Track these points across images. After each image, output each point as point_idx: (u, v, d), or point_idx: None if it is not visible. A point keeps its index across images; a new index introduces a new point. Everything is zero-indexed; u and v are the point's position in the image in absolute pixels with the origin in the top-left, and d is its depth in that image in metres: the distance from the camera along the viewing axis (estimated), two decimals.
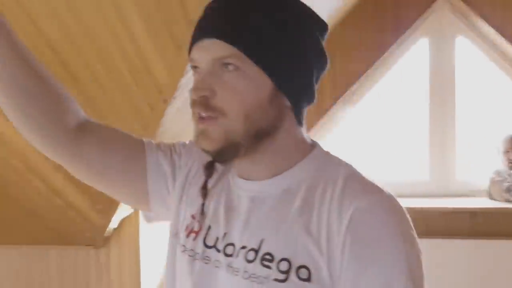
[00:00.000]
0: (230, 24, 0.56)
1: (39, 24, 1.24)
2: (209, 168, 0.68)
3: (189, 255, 0.65)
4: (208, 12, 0.59)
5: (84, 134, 0.70)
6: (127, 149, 0.72)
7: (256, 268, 0.58)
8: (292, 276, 0.56)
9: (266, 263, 0.57)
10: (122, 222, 1.73)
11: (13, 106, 0.65)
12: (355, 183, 0.60)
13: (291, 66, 0.59)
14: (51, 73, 0.69)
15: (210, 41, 0.57)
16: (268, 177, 0.63)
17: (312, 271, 0.56)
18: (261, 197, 0.62)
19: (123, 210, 1.67)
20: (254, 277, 0.58)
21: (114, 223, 1.69)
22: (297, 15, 0.60)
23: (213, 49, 0.57)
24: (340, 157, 0.65)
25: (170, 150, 0.73)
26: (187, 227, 0.67)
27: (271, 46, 0.58)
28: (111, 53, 1.30)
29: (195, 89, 0.57)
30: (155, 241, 1.74)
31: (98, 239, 1.71)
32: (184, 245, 0.66)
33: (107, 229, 1.68)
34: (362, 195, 0.58)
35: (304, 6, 0.62)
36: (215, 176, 0.69)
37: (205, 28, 0.58)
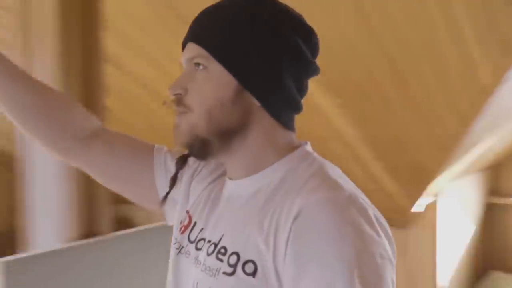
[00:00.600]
0: (201, 27, 0.61)
1: (382, 41, 1.52)
2: (181, 161, 0.72)
3: (176, 248, 0.69)
4: (192, 21, 0.64)
5: (93, 141, 0.75)
6: (135, 152, 0.75)
7: (212, 260, 0.60)
8: (239, 270, 0.56)
9: (220, 256, 0.59)
10: (424, 208, 1.93)
11: (19, 123, 0.73)
12: (316, 180, 0.58)
13: (257, 66, 0.59)
14: (52, 89, 0.76)
15: (188, 45, 0.62)
16: (243, 177, 0.64)
17: (258, 266, 0.55)
18: (234, 196, 0.64)
19: (426, 197, 1.87)
20: (208, 270, 0.60)
21: (417, 207, 1.90)
22: (268, 17, 0.60)
23: (188, 51, 0.61)
24: (320, 160, 0.63)
25: (181, 152, 0.75)
26: (181, 222, 0.71)
27: (236, 46, 0.58)
28: (441, 59, 1.50)
29: (171, 87, 0.61)
30: (450, 228, 1.88)
31: (401, 221, 1.95)
32: (175, 239, 0.70)
33: (411, 213, 1.91)
34: (316, 191, 0.55)
35: (280, 10, 0.62)
36: (215, 175, 0.72)
37: (187, 34, 0.63)
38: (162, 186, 0.75)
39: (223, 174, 0.70)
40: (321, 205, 0.54)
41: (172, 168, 0.73)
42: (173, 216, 0.75)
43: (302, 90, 0.65)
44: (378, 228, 0.54)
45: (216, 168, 0.73)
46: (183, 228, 0.70)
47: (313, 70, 0.64)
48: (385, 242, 0.54)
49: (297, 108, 0.65)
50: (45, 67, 1.06)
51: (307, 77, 0.65)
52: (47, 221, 1.10)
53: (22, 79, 0.73)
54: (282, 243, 0.53)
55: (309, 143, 0.67)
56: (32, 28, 1.07)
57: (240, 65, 0.59)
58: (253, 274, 0.55)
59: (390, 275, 0.53)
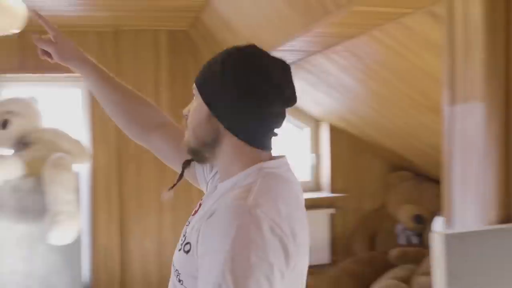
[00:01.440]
0: (199, 71, 0.89)
1: None
2: (186, 163, 0.99)
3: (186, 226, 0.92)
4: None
5: (154, 132, 1.12)
6: (178, 145, 1.00)
7: (182, 244, 0.85)
8: (183, 248, 0.83)
9: (183, 237, 0.88)
10: None
11: (111, 113, 1.16)
12: (240, 190, 0.77)
13: (223, 100, 0.82)
14: (130, 90, 1.16)
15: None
16: (222, 181, 0.88)
17: (193, 247, 0.79)
18: (211, 195, 0.90)
19: None
20: (179, 249, 0.86)
21: None
22: (235, 65, 0.82)
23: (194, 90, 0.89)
24: (265, 177, 0.80)
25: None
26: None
27: (209, 85, 0.84)
28: None
29: (184, 112, 0.92)
30: None
31: None
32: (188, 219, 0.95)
33: None
34: (229, 198, 0.77)
35: (244, 59, 0.83)
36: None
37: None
38: (198, 172, 1.06)
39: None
40: (224, 210, 0.75)
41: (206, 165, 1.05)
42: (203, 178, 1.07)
43: (271, 122, 0.85)
44: (266, 235, 0.69)
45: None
46: (194, 212, 0.95)
47: (279, 111, 0.86)
48: (267, 247, 0.68)
49: (265, 133, 0.86)
50: (471, 73, 1.24)
51: (271, 117, 0.85)
52: (468, 204, 1.29)
53: (113, 83, 1.14)
54: (199, 233, 0.77)
55: (284, 158, 0.88)
56: (458, 37, 1.27)
57: (210, 97, 0.84)
58: (188, 252, 0.82)
59: (265, 273, 0.66)
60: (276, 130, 0.86)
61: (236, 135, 0.84)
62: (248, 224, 0.70)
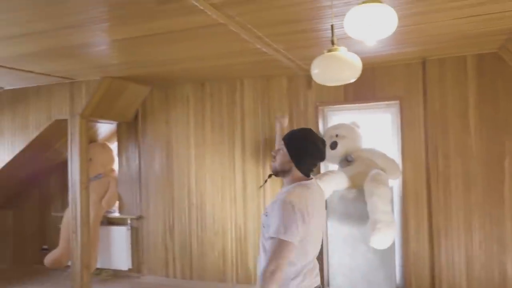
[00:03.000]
0: (287, 136, 1.99)
1: None
2: (269, 176, 2.09)
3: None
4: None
5: None
6: None
7: (264, 210, 1.93)
8: (266, 212, 1.90)
9: (265, 210, 1.91)
10: None
11: None
12: (288, 194, 1.81)
13: (296, 155, 1.92)
14: None
15: (282, 140, 2.02)
16: (284, 186, 1.95)
17: (267, 214, 1.88)
18: (280, 192, 1.95)
19: None
20: (264, 212, 1.91)
21: None
22: (307, 144, 1.93)
23: (280, 143, 2.01)
24: (298, 187, 1.87)
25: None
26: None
27: (292, 146, 1.93)
28: None
29: (273, 152, 2.03)
30: None
31: None
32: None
33: None
34: (285, 198, 1.78)
35: (313, 144, 1.94)
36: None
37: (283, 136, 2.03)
38: None
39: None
40: (283, 201, 1.77)
41: None
42: None
43: (311, 163, 1.94)
44: (296, 209, 1.75)
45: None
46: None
47: (316, 160, 1.97)
48: (295, 214, 1.75)
49: (310, 169, 1.95)
50: None
51: (313, 161, 1.95)
52: None
53: None
54: (272, 209, 1.82)
55: (312, 179, 1.95)
56: None
57: (292, 151, 1.91)
58: (266, 215, 1.87)
59: (299, 217, 1.75)
60: (312, 169, 1.97)
61: (298, 168, 1.93)
62: (289, 206, 1.77)
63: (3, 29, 2.66)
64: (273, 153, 2.01)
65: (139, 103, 4.98)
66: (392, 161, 3.83)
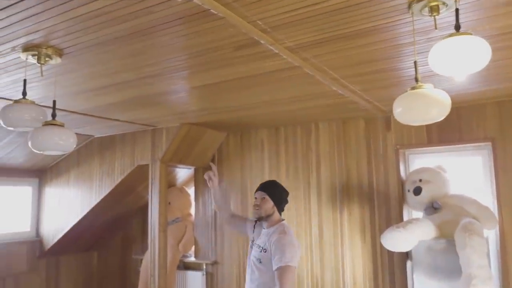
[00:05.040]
0: (266, 188, 2.82)
1: None
2: (255, 221, 2.86)
3: (250, 245, 2.85)
4: (261, 184, 2.90)
5: (230, 219, 3.15)
6: (242, 221, 3.09)
7: (257, 248, 2.71)
8: (262, 250, 2.66)
9: (258, 248, 2.70)
10: None
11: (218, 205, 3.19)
12: (280, 232, 2.64)
13: (278, 201, 2.79)
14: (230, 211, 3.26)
15: (259, 192, 2.82)
16: (268, 228, 2.73)
17: (266, 250, 2.62)
18: (265, 232, 2.74)
19: None
20: (258, 250, 2.70)
21: None
22: (284, 192, 2.88)
23: (261, 193, 2.81)
24: (285, 225, 2.74)
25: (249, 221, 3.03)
26: (252, 240, 2.86)
27: (275, 196, 2.79)
28: None
29: (254, 203, 2.83)
30: None
31: None
32: (252, 241, 2.84)
33: None
34: (280, 234, 2.62)
35: (286, 192, 2.90)
36: (258, 225, 2.86)
37: (259, 188, 2.85)
38: (250, 229, 2.93)
39: (260, 225, 2.85)
40: (280, 237, 2.61)
41: (250, 224, 2.97)
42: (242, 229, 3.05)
43: (284, 206, 2.86)
44: (293, 240, 2.64)
45: (250, 224, 2.96)
46: (251, 244, 2.84)
47: (284, 203, 2.87)
48: (294, 247, 2.58)
49: (282, 210, 2.84)
50: None
51: (284, 204, 2.87)
52: None
53: (228, 210, 3.25)
54: (270, 245, 2.60)
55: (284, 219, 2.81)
56: None
57: (274, 199, 2.78)
58: (265, 251, 2.65)
59: (297, 246, 2.63)
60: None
61: (278, 211, 2.77)
62: (290, 241, 2.57)
63: (95, 80, 2.87)
64: (256, 203, 2.75)
65: (215, 148, 5.08)
66: (486, 208, 3.45)
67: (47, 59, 2.35)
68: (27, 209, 5.50)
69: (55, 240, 5.30)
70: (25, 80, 2.47)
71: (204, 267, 5.04)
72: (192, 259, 5.23)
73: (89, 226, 5.38)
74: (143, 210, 5.22)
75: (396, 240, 3.40)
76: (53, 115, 2.39)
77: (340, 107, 3.75)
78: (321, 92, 3.18)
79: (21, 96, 2.42)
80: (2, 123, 2.36)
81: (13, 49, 2.29)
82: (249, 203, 4.80)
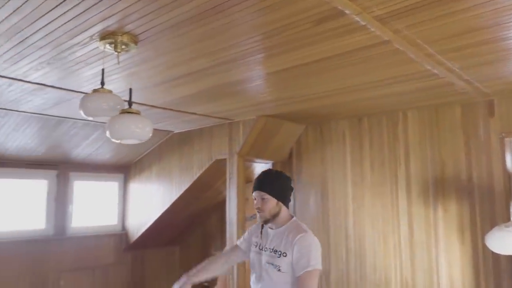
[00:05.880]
0: (263, 185, 2.26)
1: None
2: (262, 226, 2.33)
3: (255, 251, 2.34)
4: (256, 180, 2.31)
5: (230, 259, 2.58)
6: (243, 246, 2.50)
7: (272, 253, 2.20)
8: (282, 255, 2.15)
9: (273, 253, 2.19)
10: None
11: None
12: (298, 229, 2.19)
13: (282, 195, 2.25)
14: (221, 261, 2.56)
15: (257, 192, 2.26)
16: (278, 228, 2.25)
17: (286, 254, 2.13)
18: (275, 233, 2.24)
19: None
20: (270, 256, 2.21)
21: None
22: (284, 178, 2.33)
23: (259, 193, 2.25)
24: (297, 221, 2.28)
25: (246, 233, 2.53)
26: (255, 245, 2.36)
27: (275, 191, 2.23)
28: None
29: (255, 206, 2.26)
30: None
31: None
32: (255, 246, 2.35)
33: None
34: (299, 233, 2.14)
35: (287, 178, 2.35)
36: (256, 233, 2.39)
37: (256, 186, 2.28)
38: (246, 251, 2.45)
39: (260, 231, 2.35)
40: (301, 236, 2.14)
41: (245, 244, 2.49)
42: (249, 251, 2.43)
43: (290, 195, 2.34)
44: (316, 240, 2.16)
45: (254, 232, 2.43)
46: (257, 246, 2.34)
47: (291, 193, 2.35)
48: (317, 242, 2.16)
49: (289, 201, 2.32)
50: None
51: (290, 194, 2.34)
52: None
53: (210, 269, 2.49)
54: (291, 249, 2.12)
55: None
56: None
57: (276, 195, 2.23)
58: (285, 255, 2.14)
59: (319, 246, 2.16)
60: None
61: (285, 206, 2.28)
62: (313, 241, 2.17)
63: (171, 70, 2.81)
64: (258, 205, 2.25)
65: (293, 141, 4.88)
66: None
67: (123, 47, 2.32)
68: (114, 203, 5.73)
69: (139, 233, 5.45)
70: (103, 70, 2.46)
71: None
72: None
73: (170, 221, 5.46)
74: (222, 206, 5.17)
75: (504, 241, 2.95)
76: (130, 103, 2.35)
77: (433, 92, 3.35)
78: (412, 73, 2.84)
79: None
80: (82, 113, 2.37)
81: (91, 38, 2.29)
82: (330, 204, 4.54)
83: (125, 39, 2.26)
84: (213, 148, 4.71)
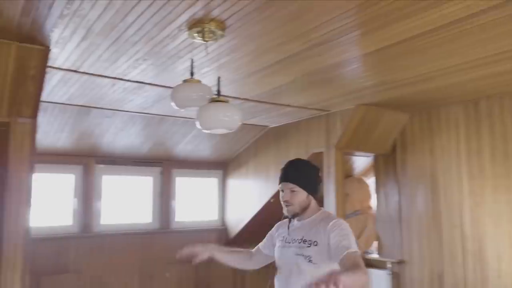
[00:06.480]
0: (292, 176, 2.05)
1: None
2: (290, 220, 2.11)
3: (282, 245, 2.10)
4: (282, 171, 2.10)
5: (253, 259, 2.33)
6: (267, 245, 2.27)
7: (301, 243, 1.99)
8: (310, 243, 1.96)
9: (302, 243, 1.98)
10: None
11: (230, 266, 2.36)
12: (330, 217, 2.00)
13: (312, 187, 2.05)
14: (241, 252, 2.36)
15: (285, 183, 2.05)
16: (305, 219, 2.05)
17: (317, 243, 1.93)
18: (302, 224, 2.05)
19: None
20: (302, 245, 1.98)
21: None
22: (314, 172, 2.10)
23: (287, 185, 2.03)
24: (327, 211, 2.11)
25: (269, 234, 2.29)
26: (282, 238, 2.13)
27: (306, 182, 2.03)
28: None
29: (283, 199, 2.05)
30: None
31: None
32: (281, 240, 2.12)
33: None
34: (332, 220, 1.97)
35: (316, 169, 2.13)
36: (283, 226, 2.17)
37: (283, 178, 2.07)
38: (284, 232, 2.14)
39: (288, 226, 2.11)
40: (335, 221, 1.95)
41: (268, 243, 2.28)
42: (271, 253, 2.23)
43: (320, 186, 2.15)
44: (347, 224, 1.98)
45: (279, 229, 2.21)
46: (284, 239, 2.10)
47: (320, 184, 2.16)
48: (348, 225, 1.97)
49: (319, 192, 2.11)
50: None
51: (320, 185, 2.14)
52: None
53: (233, 256, 2.35)
54: (324, 236, 1.91)
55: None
56: None
57: (306, 187, 2.02)
58: (316, 244, 1.93)
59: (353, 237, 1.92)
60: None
61: (315, 198, 2.08)
62: (344, 223, 1.96)
63: (260, 58, 2.72)
64: (286, 198, 2.04)
65: (396, 132, 4.50)
66: None
67: (210, 35, 2.27)
68: (214, 199, 5.86)
69: (238, 229, 5.49)
70: (192, 60, 2.45)
71: (389, 266, 4.50)
72: (374, 256, 4.75)
73: (267, 218, 5.41)
74: (319, 202, 4.98)
75: None
76: (218, 92, 2.29)
77: None
78: None
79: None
80: (173, 105, 2.38)
81: (179, 29, 2.28)
82: (441, 199, 4.08)
83: (212, 26, 2.21)
84: (309, 141, 4.53)
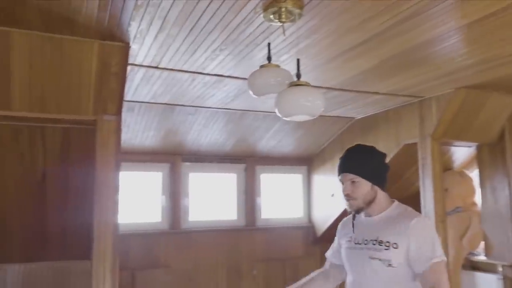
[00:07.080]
0: (352, 165, 1.80)
1: None
2: (354, 216, 1.86)
3: (350, 246, 1.85)
4: (341, 160, 1.86)
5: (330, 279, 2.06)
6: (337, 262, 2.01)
7: (376, 245, 1.73)
8: (388, 245, 1.69)
9: (378, 245, 1.72)
10: None
11: None
12: (409, 214, 1.75)
13: (377, 176, 1.79)
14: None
15: (344, 174, 1.81)
16: (375, 215, 1.80)
17: (397, 245, 1.67)
18: (373, 221, 1.80)
19: None
20: (378, 247, 1.72)
21: None
22: (379, 158, 1.85)
23: (347, 176, 1.79)
24: (403, 205, 1.81)
25: (336, 239, 2.04)
26: (349, 239, 1.86)
27: (371, 172, 1.77)
28: None
29: (344, 192, 1.81)
30: None
31: None
32: (349, 240, 1.86)
33: None
34: (413, 217, 1.71)
35: (381, 155, 1.85)
36: (348, 225, 1.91)
37: (341, 168, 1.83)
38: (349, 232, 1.89)
39: (352, 223, 1.87)
40: (418, 221, 1.70)
41: (337, 252, 2.02)
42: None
43: (387, 176, 1.83)
44: (434, 227, 1.99)
45: (344, 228, 1.96)
46: (352, 240, 1.85)
47: (388, 172, 1.84)
48: (434, 228, 1.86)
49: (386, 185, 1.82)
50: None
51: (387, 174, 1.83)
52: None
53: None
54: (405, 237, 1.66)
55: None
56: None
57: (370, 177, 1.76)
58: (395, 247, 1.67)
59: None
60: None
61: (382, 189, 1.81)
62: (429, 222, 2.19)
63: (342, 39, 2.51)
64: (347, 192, 1.80)
65: (504, 118, 3.97)
66: None
67: (288, 15, 2.11)
68: (299, 195, 5.70)
69: (325, 227, 5.26)
70: (269, 44, 2.31)
71: (500, 269, 3.97)
72: (482, 258, 4.23)
73: None
74: (415, 199, 4.56)
75: None
76: (298, 75, 2.12)
77: None
78: None
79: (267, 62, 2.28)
80: (251, 92, 2.26)
81: (255, 12, 2.16)
82: None
83: (289, 5, 2.05)
84: (400, 132, 4.17)
